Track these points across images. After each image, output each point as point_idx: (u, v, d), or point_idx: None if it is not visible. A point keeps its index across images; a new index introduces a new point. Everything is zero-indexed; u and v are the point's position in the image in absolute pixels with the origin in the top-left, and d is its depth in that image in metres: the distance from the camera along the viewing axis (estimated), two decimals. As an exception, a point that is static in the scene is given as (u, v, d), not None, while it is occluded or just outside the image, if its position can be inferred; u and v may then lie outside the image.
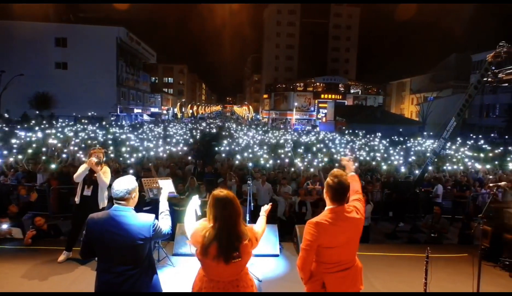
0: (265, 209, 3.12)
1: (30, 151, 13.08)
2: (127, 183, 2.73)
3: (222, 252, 2.46)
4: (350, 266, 2.75)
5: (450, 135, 9.44)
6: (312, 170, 12.01)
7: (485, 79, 8.24)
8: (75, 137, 18.72)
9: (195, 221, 2.73)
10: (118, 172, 10.06)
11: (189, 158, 14.45)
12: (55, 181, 10.20)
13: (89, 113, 36.65)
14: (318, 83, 65.95)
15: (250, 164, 10.58)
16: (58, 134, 19.69)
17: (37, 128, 21.13)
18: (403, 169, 13.19)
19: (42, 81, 37.63)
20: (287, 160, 13.98)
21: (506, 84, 8.42)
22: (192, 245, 2.61)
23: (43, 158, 11.37)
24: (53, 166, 10.72)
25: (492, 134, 33.13)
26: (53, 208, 9.69)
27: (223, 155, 15.77)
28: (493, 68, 8.07)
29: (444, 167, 13.65)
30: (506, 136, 30.27)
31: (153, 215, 2.75)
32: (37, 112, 35.38)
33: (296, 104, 63.47)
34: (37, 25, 38.79)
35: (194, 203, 2.89)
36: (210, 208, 2.56)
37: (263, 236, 6.06)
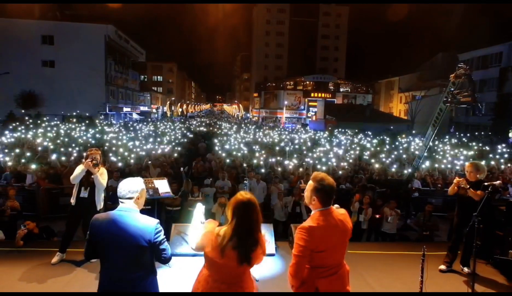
0: None
1: (18, 150, 12.83)
2: (131, 184, 2.72)
3: (240, 251, 2.46)
4: (339, 269, 2.78)
5: (430, 142, 10.00)
6: (300, 169, 12.05)
7: (445, 99, 8.54)
8: (64, 137, 18.40)
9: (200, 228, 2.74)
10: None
11: (175, 155, 14.50)
12: (45, 181, 10.02)
13: (74, 113, 35.58)
14: (308, 82, 66.24)
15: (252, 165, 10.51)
16: (48, 133, 19.33)
17: (22, 128, 20.70)
18: (393, 168, 13.30)
19: (29, 79, 36.80)
20: (280, 159, 13.91)
21: (465, 106, 8.79)
22: (199, 249, 2.61)
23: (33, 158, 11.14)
24: (33, 166, 10.41)
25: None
26: (43, 208, 9.52)
27: (215, 154, 15.66)
28: (452, 89, 8.39)
29: (436, 165, 13.82)
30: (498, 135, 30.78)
31: (157, 220, 2.71)
32: (23, 111, 34.60)
33: (286, 102, 63.60)
34: (23, 22, 37.89)
35: (199, 211, 2.89)
36: (231, 209, 2.56)
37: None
